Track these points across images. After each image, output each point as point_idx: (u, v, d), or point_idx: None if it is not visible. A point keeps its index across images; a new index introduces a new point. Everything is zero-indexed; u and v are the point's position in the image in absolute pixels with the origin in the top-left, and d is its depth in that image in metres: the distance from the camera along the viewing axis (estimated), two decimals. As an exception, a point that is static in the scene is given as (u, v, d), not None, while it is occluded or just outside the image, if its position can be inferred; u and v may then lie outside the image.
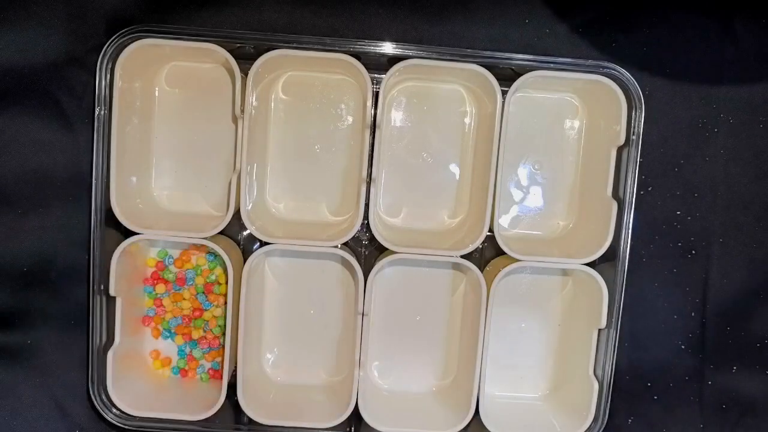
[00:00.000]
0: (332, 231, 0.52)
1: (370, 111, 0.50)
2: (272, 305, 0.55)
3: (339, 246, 0.52)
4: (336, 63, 0.49)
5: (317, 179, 0.54)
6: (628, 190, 0.50)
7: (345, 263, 0.53)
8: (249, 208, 0.50)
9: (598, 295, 0.51)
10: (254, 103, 0.49)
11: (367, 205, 0.51)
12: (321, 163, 0.54)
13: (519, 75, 0.49)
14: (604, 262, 0.51)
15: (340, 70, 0.52)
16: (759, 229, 0.54)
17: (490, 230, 0.50)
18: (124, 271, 0.51)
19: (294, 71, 0.53)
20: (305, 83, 0.53)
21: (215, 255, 0.52)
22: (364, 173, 0.50)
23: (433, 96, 0.53)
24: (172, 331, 0.55)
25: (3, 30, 0.51)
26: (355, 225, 0.50)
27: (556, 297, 0.56)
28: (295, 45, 0.49)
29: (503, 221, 0.54)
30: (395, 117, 0.53)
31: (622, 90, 0.49)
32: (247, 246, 0.54)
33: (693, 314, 0.55)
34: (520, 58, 0.50)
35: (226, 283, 0.51)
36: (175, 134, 0.53)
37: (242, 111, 0.49)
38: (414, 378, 0.56)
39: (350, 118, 0.53)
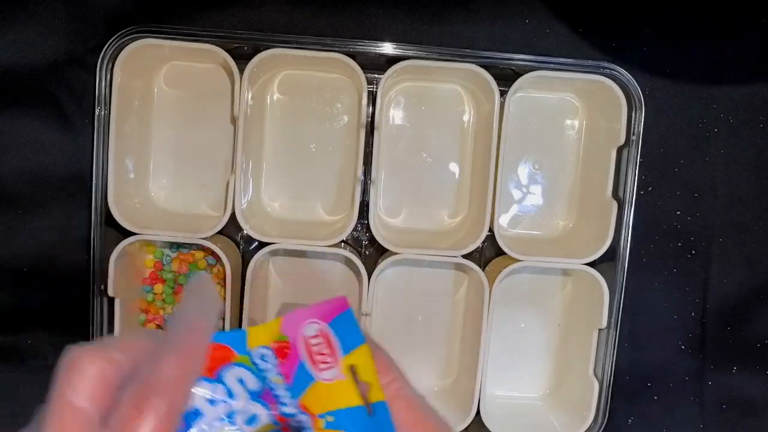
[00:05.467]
0: (327, 230, 0.52)
1: (365, 110, 0.50)
2: (276, 304, 0.55)
3: (343, 246, 0.52)
4: (331, 62, 0.49)
5: (313, 178, 0.54)
6: (628, 190, 0.50)
7: (348, 263, 0.53)
8: (244, 207, 0.50)
9: (598, 295, 0.51)
10: (250, 102, 0.49)
11: (367, 206, 0.51)
12: (316, 162, 0.54)
13: (519, 75, 0.49)
14: (604, 262, 0.51)
15: (335, 70, 0.52)
16: (759, 229, 0.54)
17: (490, 230, 0.50)
18: (123, 272, 0.51)
19: (290, 70, 0.53)
20: (301, 82, 0.53)
21: (214, 255, 0.52)
22: (360, 173, 0.50)
23: (432, 96, 0.53)
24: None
25: (3, 30, 0.51)
26: (349, 224, 0.50)
27: (556, 297, 0.56)
28: (294, 45, 0.49)
29: (503, 221, 0.54)
30: (394, 117, 0.54)
31: (622, 90, 0.49)
32: (245, 246, 0.54)
33: (693, 314, 0.55)
34: (520, 58, 0.50)
35: (225, 282, 0.51)
36: (173, 134, 0.53)
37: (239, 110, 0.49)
38: (416, 378, 0.55)
39: (346, 118, 0.53)
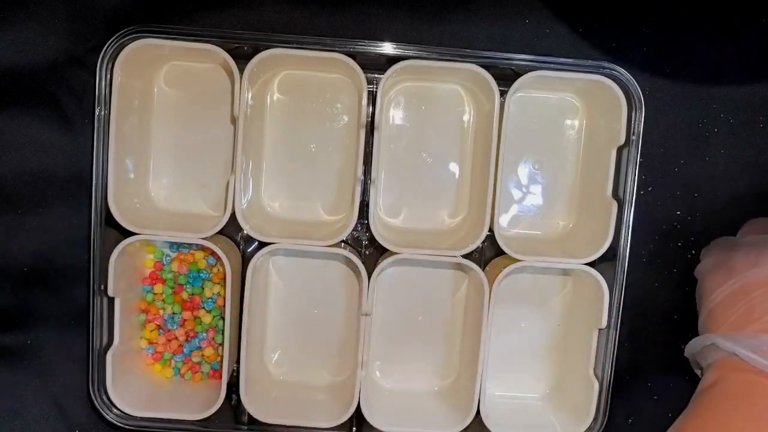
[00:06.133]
0: (327, 230, 0.52)
1: (365, 110, 0.50)
2: (276, 304, 0.55)
3: (343, 245, 0.52)
4: (331, 62, 0.49)
5: (313, 178, 0.54)
6: (628, 190, 0.50)
7: (348, 263, 0.54)
8: (244, 207, 0.50)
9: (598, 295, 0.51)
10: (250, 102, 0.49)
11: (367, 206, 0.51)
12: (316, 162, 0.54)
13: (519, 75, 0.49)
14: (604, 262, 0.51)
15: (335, 69, 0.52)
16: (759, 229, 0.54)
17: (490, 230, 0.50)
18: (123, 272, 0.51)
19: (290, 70, 0.53)
20: (301, 82, 0.53)
21: (214, 255, 0.52)
22: (360, 173, 0.50)
23: (432, 96, 0.53)
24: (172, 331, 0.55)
25: (3, 30, 0.51)
26: (349, 224, 0.50)
27: (556, 297, 0.56)
28: (294, 45, 0.49)
29: (503, 221, 0.54)
30: (394, 117, 0.54)
31: (622, 90, 0.49)
32: (246, 246, 0.54)
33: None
34: (520, 58, 0.50)
35: (225, 283, 0.51)
36: (173, 134, 0.53)
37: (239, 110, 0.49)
38: (416, 378, 0.56)
39: (346, 118, 0.53)
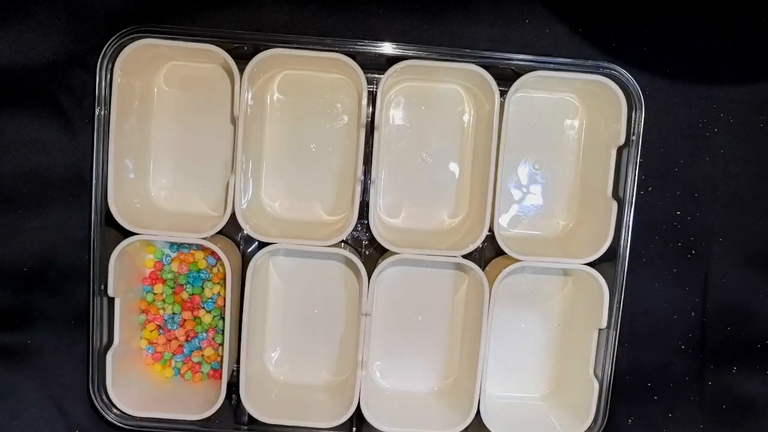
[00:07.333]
0: (327, 230, 0.52)
1: (365, 110, 0.50)
2: (276, 304, 0.55)
3: (343, 245, 0.52)
4: (331, 62, 0.49)
5: (313, 178, 0.54)
6: (628, 190, 0.50)
7: (348, 263, 0.54)
8: (244, 207, 0.50)
9: (598, 295, 0.51)
10: (250, 102, 0.49)
11: (367, 206, 0.51)
12: (316, 162, 0.54)
13: (519, 75, 0.49)
14: (604, 262, 0.51)
15: (335, 70, 0.52)
16: (759, 229, 0.54)
17: (490, 230, 0.50)
18: (123, 272, 0.51)
19: (290, 70, 0.53)
20: (301, 82, 0.53)
21: (214, 255, 0.52)
22: (360, 173, 0.50)
23: (432, 96, 0.53)
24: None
25: (3, 30, 0.51)
26: (349, 224, 0.50)
27: (556, 297, 0.56)
28: (294, 45, 0.49)
29: (503, 221, 0.54)
30: (394, 117, 0.54)
31: (622, 90, 0.49)
32: (246, 246, 0.54)
33: (693, 314, 0.55)
34: (520, 58, 0.50)
35: (225, 283, 0.51)
36: (174, 134, 0.53)
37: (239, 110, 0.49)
38: (416, 378, 0.56)
39: (346, 118, 0.53)
